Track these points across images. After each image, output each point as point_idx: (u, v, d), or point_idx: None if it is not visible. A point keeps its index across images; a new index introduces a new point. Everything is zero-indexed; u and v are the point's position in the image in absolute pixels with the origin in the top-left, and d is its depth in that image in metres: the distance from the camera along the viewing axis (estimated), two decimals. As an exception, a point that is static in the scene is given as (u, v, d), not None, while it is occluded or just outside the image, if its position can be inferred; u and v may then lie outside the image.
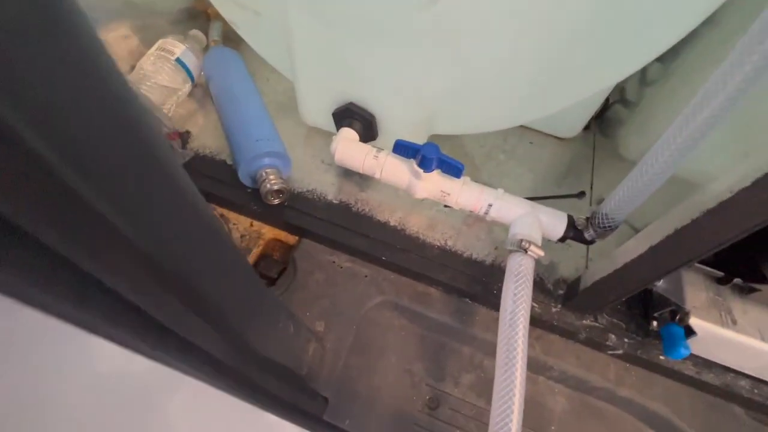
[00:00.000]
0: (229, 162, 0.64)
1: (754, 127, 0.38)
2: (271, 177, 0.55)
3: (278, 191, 0.56)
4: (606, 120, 0.77)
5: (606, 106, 0.75)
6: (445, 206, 0.62)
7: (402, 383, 0.54)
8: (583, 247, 0.61)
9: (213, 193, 0.62)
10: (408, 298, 0.58)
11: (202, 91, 0.74)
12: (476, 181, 0.69)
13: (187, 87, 0.70)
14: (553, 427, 0.53)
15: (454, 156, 0.72)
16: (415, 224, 0.61)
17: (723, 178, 0.31)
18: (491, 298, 0.56)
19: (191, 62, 0.69)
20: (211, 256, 0.28)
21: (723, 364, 0.50)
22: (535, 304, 0.55)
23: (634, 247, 0.41)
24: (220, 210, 0.64)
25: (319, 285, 0.57)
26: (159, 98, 0.65)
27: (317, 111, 0.63)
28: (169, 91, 0.67)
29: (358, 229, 0.59)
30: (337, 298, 0.57)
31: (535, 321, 0.55)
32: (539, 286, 0.56)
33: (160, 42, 0.68)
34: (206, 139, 0.67)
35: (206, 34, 0.77)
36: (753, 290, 0.47)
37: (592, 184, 0.69)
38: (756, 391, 0.50)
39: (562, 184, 0.70)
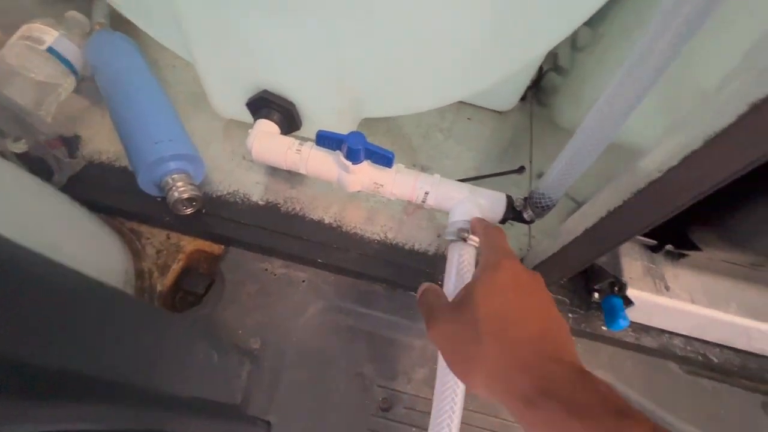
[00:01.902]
0: (131, 168, 0.55)
1: (680, 98, 0.37)
2: (179, 184, 0.48)
3: (189, 199, 0.49)
4: (542, 89, 0.76)
5: (541, 74, 0.73)
6: (383, 196, 0.58)
7: (353, 389, 0.51)
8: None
9: (115, 207, 0.53)
10: (351, 299, 0.54)
11: (94, 85, 0.63)
12: (415, 165, 0.65)
13: (70, 81, 0.59)
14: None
15: (391, 139, 0.69)
16: (353, 219, 0.56)
17: (652, 155, 0.29)
18: (437, 289, 0.53)
19: (69, 51, 0.58)
20: (74, 319, 0.22)
21: (659, 327, 0.52)
22: (481, 290, 0.53)
23: (571, 229, 0.39)
24: (129, 225, 0.56)
25: (251, 297, 0.52)
26: (32, 98, 0.54)
27: (229, 102, 0.55)
28: (45, 87, 0.56)
29: (289, 231, 0.54)
30: (272, 309, 0.52)
31: (483, 307, 0.53)
32: (484, 270, 0.55)
33: (23, 28, 0.56)
34: (102, 143, 0.58)
35: (89, 15, 0.65)
36: (683, 255, 0.47)
37: (531, 157, 0.68)
38: (689, 348, 0.53)
39: (503, 160, 0.68)
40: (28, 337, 0.20)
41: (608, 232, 0.35)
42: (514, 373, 0.23)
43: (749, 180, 0.26)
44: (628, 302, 0.48)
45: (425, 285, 0.35)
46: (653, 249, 0.49)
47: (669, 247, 0.47)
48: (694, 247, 0.43)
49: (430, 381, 0.53)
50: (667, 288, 0.47)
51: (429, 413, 0.51)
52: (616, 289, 0.49)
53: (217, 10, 0.43)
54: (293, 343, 0.50)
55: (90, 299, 0.25)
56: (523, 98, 0.74)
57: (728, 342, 0.52)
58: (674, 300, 0.46)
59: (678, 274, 0.48)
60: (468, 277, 0.43)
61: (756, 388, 0.53)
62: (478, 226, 0.40)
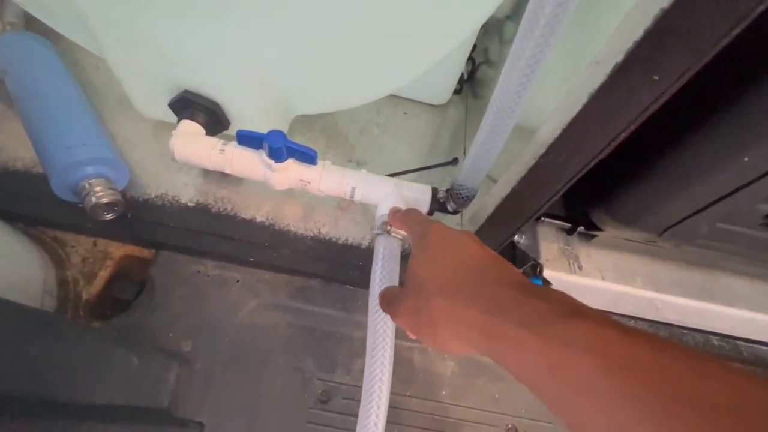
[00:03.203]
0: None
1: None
2: (97, 189, 0.47)
3: (110, 204, 0.48)
4: (476, 81, 0.78)
5: (475, 67, 0.76)
6: (317, 192, 0.58)
7: (291, 384, 0.52)
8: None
9: (34, 216, 0.51)
10: (287, 296, 0.55)
11: (6, 89, 0.60)
12: (351, 160, 0.66)
13: (-22, 86, 0.56)
14: (444, 392, 0.55)
15: (326, 135, 0.69)
16: (287, 216, 0.57)
17: (529, 146, 0.32)
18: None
19: (-25, 53, 0.55)
20: None
21: (578, 304, 0.56)
22: (413, 280, 0.55)
23: (481, 215, 0.42)
24: (51, 233, 0.54)
25: (182, 300, 0.52)
26: (-67, 104, 0.51)
27: (151, 103, 0.54)
28: (-52, 93, 0.53)
29: (221, 232, 0.53)
30: (205, 310, 0.51)
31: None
32: (417, 260, 0.56)
33: None
34: (17, 149, 0.55)
35: None
36: (594, 236, 0.51)
37: (465, 149, 0.70)
38: (606, 321, 0.56)
39: (439, 152, 0.70)
40: None
41: (503, 222, 0.37)
42: (465, 311, 0.23)
43: (625, 165, 0.29)
44: (547, 283, 0.51)
45: (382, 290, 0.35)
46: (568, 231, 0.52)
47: (581, 228, 0.50)
48: (597, 228, 0.46)
49: (369, 370, 0.55)
50: (580, 267, 0.50)
51: (367, 401, 0.53)
52: (538, 270, 0.52)
53: (119, 9, 0.41)
54: (227, 343, 0.51)
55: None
56: (458, 91, 0.76)
57: (640, 314, 0.56)
58: (586, 278, 0.50)
59: (591, 254, 0.52)
60: (394, 267, 0.45)
61: (667, 354, 0.58)
62: (394, 218, 0.42)
